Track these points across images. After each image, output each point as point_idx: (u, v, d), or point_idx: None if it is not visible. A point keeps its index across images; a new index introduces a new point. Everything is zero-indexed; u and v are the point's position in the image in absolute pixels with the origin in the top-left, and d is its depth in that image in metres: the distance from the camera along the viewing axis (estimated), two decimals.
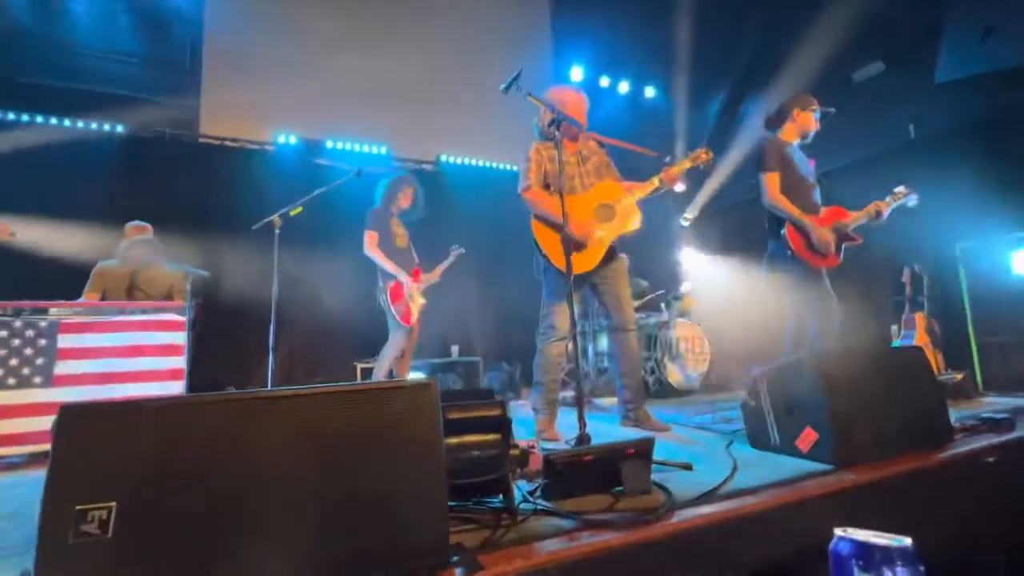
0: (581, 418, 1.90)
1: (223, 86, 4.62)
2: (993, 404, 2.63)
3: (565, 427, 2.39)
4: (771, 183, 2.69)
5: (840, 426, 1.55)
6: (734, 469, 1.54)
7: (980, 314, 3.53)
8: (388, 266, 3.34)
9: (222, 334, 3.96)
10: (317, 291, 4.34)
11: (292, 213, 3.35)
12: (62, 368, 2.52)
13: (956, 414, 1.94)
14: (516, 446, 1.27)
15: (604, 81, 6.35)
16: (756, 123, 6.04)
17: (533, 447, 1.55)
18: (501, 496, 1.24)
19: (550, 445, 2.13)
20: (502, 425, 1.25)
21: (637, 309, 4.66)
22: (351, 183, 3.43)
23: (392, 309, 3.35)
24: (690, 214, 6.40)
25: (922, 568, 0.45)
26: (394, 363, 3.41)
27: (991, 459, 1.68)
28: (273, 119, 4.78)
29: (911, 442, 1.66)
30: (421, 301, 3.46)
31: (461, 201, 5.21)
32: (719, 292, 5.63)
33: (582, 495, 1.33)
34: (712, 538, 1.19)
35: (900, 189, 2.77)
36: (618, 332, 2.48)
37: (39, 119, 4.05)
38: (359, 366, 4.27)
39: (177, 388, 2.74)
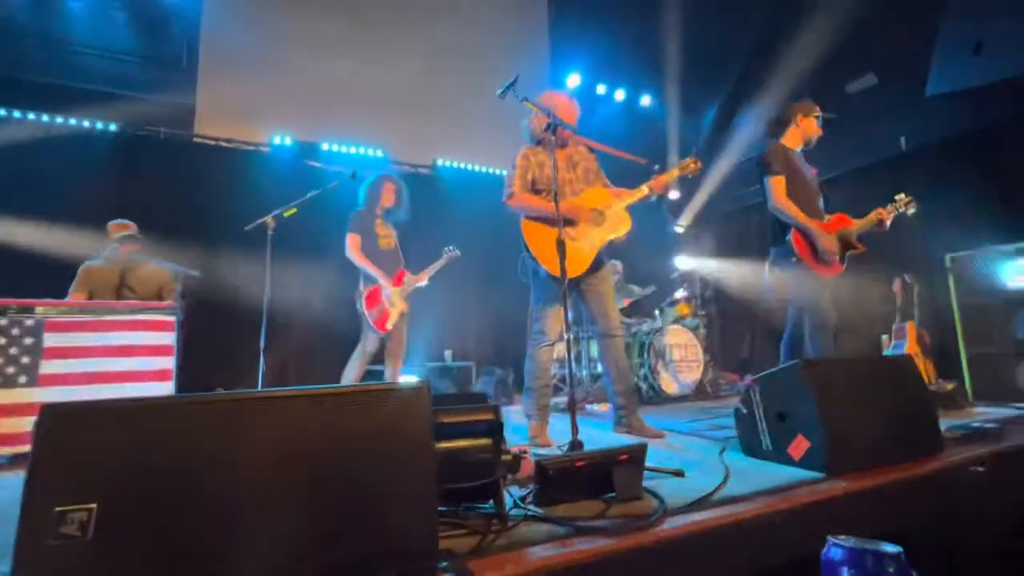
0: (573, 424, 1.89)
1: (219, 86, 4.60)
2: (983, 414, 2.65)
3: (558, 433, 2.38)
4: (777, 186, 2.64)
5: (832, 434, 1.55)
6: (726, 476, 1.53)
7: (970, 324, 3.56)
8: (368, 269, 3.25)
9: (213, 335, 3.92)
10: (310, 293, 4.31)
11: (286, 214, 3.33)
12: (48, 368, 2.48)
13: (946, 423, 1.95)
14: (508, 451, 1.26)
15: (600, 88, 6.39)
16: (751, 132, 6.11)
17: (525, 452, 1.54)
18: (492, 501, 1.22)
19: (542, 451, 2.12)
20: (494, 430, 1.24)
21: (630, 315, 4.67)
22: (346, 185, 3.42)
23: (366, 314, 3.24)
24: (684, 221, 6.44)
25: (913, 574, 0.45)
26: (362, 370, 3.28)
27: (981, 468, 1.69)
28: (269, 120, 4.77)
29: (902, 451, 1.66)
30: (402, 306, 3.31)
31: (457, 205, 5.21)
32: (713, 299, 5.66)
33: (574, 501, 1.32)
34: (704, 545, 1.18)
35: (900, 197, 2.77)
36: (604, 338, 2.48)
37: (31, 116, 4.01)
38: None
39: (166, 389, 2.70)
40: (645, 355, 4.08)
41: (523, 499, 1.32)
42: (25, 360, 2.45)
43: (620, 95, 6.49)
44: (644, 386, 4.04)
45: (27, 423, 2.34)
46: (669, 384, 4.05)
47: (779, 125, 2.84)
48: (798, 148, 2.80)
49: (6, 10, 4.00)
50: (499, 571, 0.96)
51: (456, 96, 5.40)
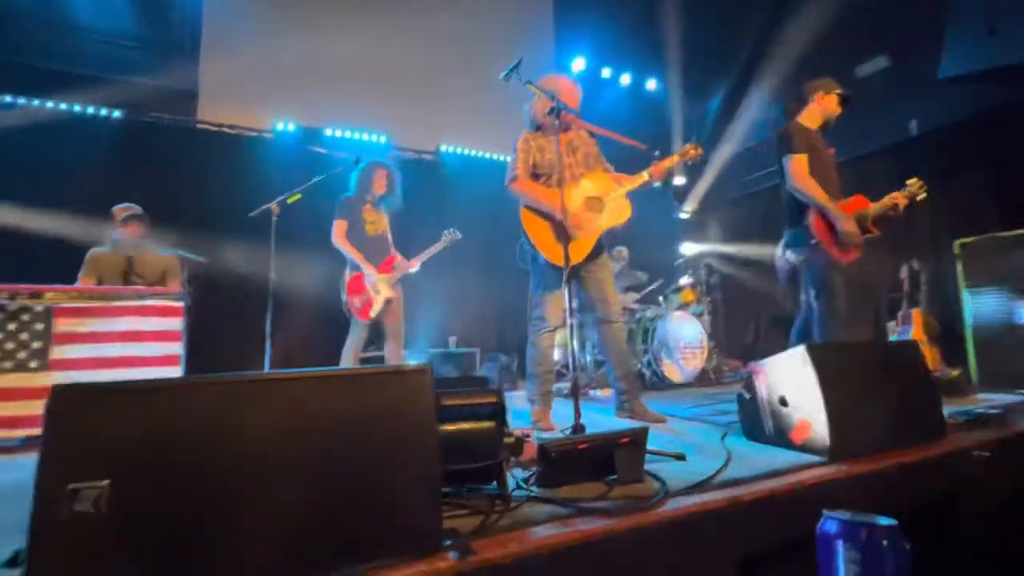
0: (576, 408, 1.90)
1: (221, 71, 4.58)
2: (987, 400, 2.65)
3: (560, 418, 2.40)
4: (799, 165, 2.52)
5: (834, 419, 1.56)
6: (728, 460, 1.55)
7: (978, 312, 3.54)
8: (351, 256, 3.23)
9: (219, 320, 3.96)
10: (314, 278, 4.32)
11: (290, 200, 3.34)
12: (58, 353, 2.52)
13: (950, 409, 1.95)
14: (510, 434, 1.27)
15: (606, 72, 6.31)
16: (757, 117, 6.03)
17: (528, 436, 1.56)
18: (495, 483, 1.24)
19: (545, 435, 2.14)
20: (497, 412, 1.26)
21: (636, 302, 4.67)
22: (349, 171, 3.41)
23: (347, 302, 3.22)
24: (689, 207, 6.39)
25: (908, 546, 0.45)
26: (357, 357, 3.27)
27: (986, 454, 1.69)
28: (272, 106, 4.75)
29: (905, 436, 1.67)
30: (388, 294, 3.26)
31: (461, 191, 5.19)
32: (718, 285, 5.64)
33: (576, 483, 1.33)
34: (704, 526, 1.20)
35: (912, 182, 2.70)
36: (603, 324, 2.48)
37: (35, 102, 4.01)
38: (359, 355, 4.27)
39: (174, 374, 2.73)
40: (649, 341, 4.08)
41: (526, 481, 1.34)
42: (36, 345, 2.48)
43: (626, 79, 6.41)
44: (647, 372, 4.06)
45: (39, 406, 2.38)
46: (672, 370, 4.06)
47: (798, 103, 2.73)
48: (816, 127, 2.70)
49: None
50: (502, 550, 0.98)
51: (460, 81, 5.35)
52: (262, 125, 4.73)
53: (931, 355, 3.61)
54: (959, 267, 3.63)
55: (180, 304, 2.84)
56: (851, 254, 2.53)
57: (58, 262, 3.33)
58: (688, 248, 5.38)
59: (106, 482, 0.79)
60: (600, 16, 5.98)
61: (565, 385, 3.01)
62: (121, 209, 3.33)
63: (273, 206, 3.29)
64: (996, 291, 3.44)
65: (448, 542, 0.98)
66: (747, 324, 5.86)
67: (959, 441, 1.73)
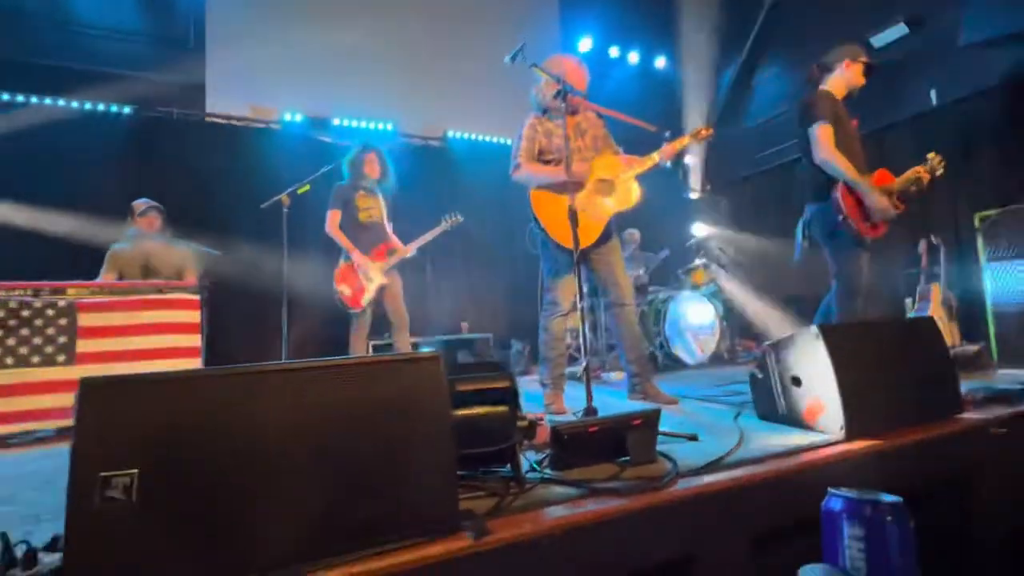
0: (588, 391, 1.92)
1: (227, 64, 4.58)
2: (1007, 376, 2.61)
3: (573, 401, 2.42)
4: (826, 135, 2.40)
5: (848, 398, 1.55)
6: (740, 440, 1.55)
7: (1000, 286, 3.46)
8: (342, 245, 3.23)
9: (236, 313, 4.03)
10: (328, 268, 4.37)
11: (300, 191, 3.37)
12: (84, 346, 2.60)
13: (968, 386, 1.93)
14: (523, 417, 1.29)
15: (614, 51, 6.19)
16: (769, 91, 5.89)
17: (540, 419, 1.58)
18: (509, 465, 1.26)
19: (557, 418, 2.17)
20: (510, 397, 1.28)
21: (648, 283, 4.65)
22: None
23: (336, 291, 3.23)
24: (700, 187, 6.30)
25: (912, 524, 0.46)
26: (363, 345, 3.28)
27: (1002, 430, 1.68)
28: (278, 97, 4.75)
29: (920, 413, 1.66)
30: (381, 281, 3.25)
31: (469, 176, 5.18)
32: (732, 266, 5.58)
33: (588, 465, 1.35)
34: (717, 505, 1.21)
35: (932, 156, 2.59)
36: (615, 307, 2.48)
37: (47, 100, 4.06)
38: (371, 343, 4.33)
39: (195, 365, 2.81)
40: (661, 323, 4.07)
41: (539, 463, 1.36)
42: (62, 340, 2.56)
43: (634, 58, 6.28)
44: (660, 354, 4.06)
45: (68, 399, 2.47)
46: (684, 352, 4.05)
47: (823, 71, 2.62)
48: (841, 97, 2.58)
49: None
50: (517, 530, 1.00)
51: (466, 65, 5.29)
52: (269, 116, 4.74)
53: (949, 331, 3.56)
54: (980, 240, 3.55)
55: (197, 297, 2.90)
56: (879, 230, 2.44)
57: (76, 259, 3.42)
58: (699, 229, 5.31)
59: (134, 471, 0.82)
60: None
61: (578, 369, 3.03)
62: (140, 204, 3.40)
63: (284, 197, 3.33)
64: (1018, 265, 3.36)
65: (464, 523, 1.01)
66: (762, 303, 5.79)
67: (976, 418, 1.71)
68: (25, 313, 2.50)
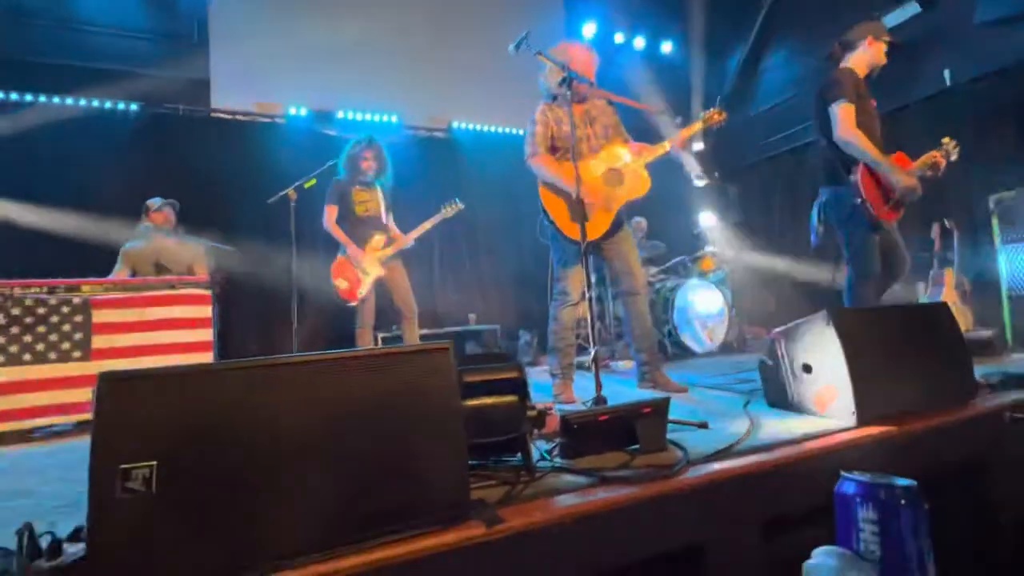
0: (597, 380, 1.92)
1: (230, 59, 4.58)
2: (1022, 361, 2.58)
3: (582, 390, 2.43)
4: (847, 115, 2.32)
5: (859, 384, 1.54)
6: (750, 427, 1.55)
7: (1015, 269, 3.40)
8: (339, 239, 3.25)
9: (247, 307, 4.07)
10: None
11: (306, 186, 3.38)
12: (99, 342, 2.64)
13: (982, 370, 1.90)
14: (533, 407, 1.30)
15: (619, 37, 6.10)
16: (778, 76, 5.79)
17: (550, 409, 1.59)
18: (520, 455, 1.27)
19: (567, 407, 2.17)
20: (519, 387, 1.28)
21: (656, 273, 4.63)
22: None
23: (333, 284, 3.24)
24: (707, 174, 6.22)
25: (926, 506, 0.46)
26: (370, 338, 3.30)
27: (1016, 415, 1.66)
28: (283, 91, 4.75)
29: (933, 399, 1.64)
30: (378, 273, 3.25)
31: (475, 168, 5.16)
32: (739, 253, 5.54)
33: (598, 453, 1.36)
34: (727, 493, 1.21)
35: (946, 140, 2.53)
36: (628, 296, 2.47)
37: (55, 99, 4.08)
38: (380, 336, 4.36)
39: (207, 360, 2.84)
40: (669, 311, 4.06)
41: (549, 452, 1.37)
42: (78, 336, 2.60)
43: (639, 43, 6.19)
44: (668, 343, 4.05)
45: (85, 394, 2.52)
46: (693, 340, 4.04)
47: (845, 48, 2.52)
48: (862, 76, 2.49)
49: None
50: (527, 518, 1.02)
51: (470, 55, 5.25)
52: (274, 111, 4.74)
53: (963, 315, 3.52)
54: (994, 223, 3.48)
55: (209, 292, 2.93)
56: (895, 215, 2.39)
57: (87, 257, 3.46)
58: (706, 218, 5.26)
59: (153, 463, 0.84)
60: None
61: (586, 358, 3.04)
62: (154, 201, 3.45)
63: (290, 192, 3.34)
64: None
65: (476, 512, 1.02)
66: (769, 291, 5.76)
67: (990, 403, 1.69)
68: (41, 310, 2.54)
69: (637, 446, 1.37)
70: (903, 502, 0.45)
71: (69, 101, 4.12)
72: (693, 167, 5.70)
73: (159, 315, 2.78)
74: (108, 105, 4.23)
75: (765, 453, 1.34)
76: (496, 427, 1.22)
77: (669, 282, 4.38)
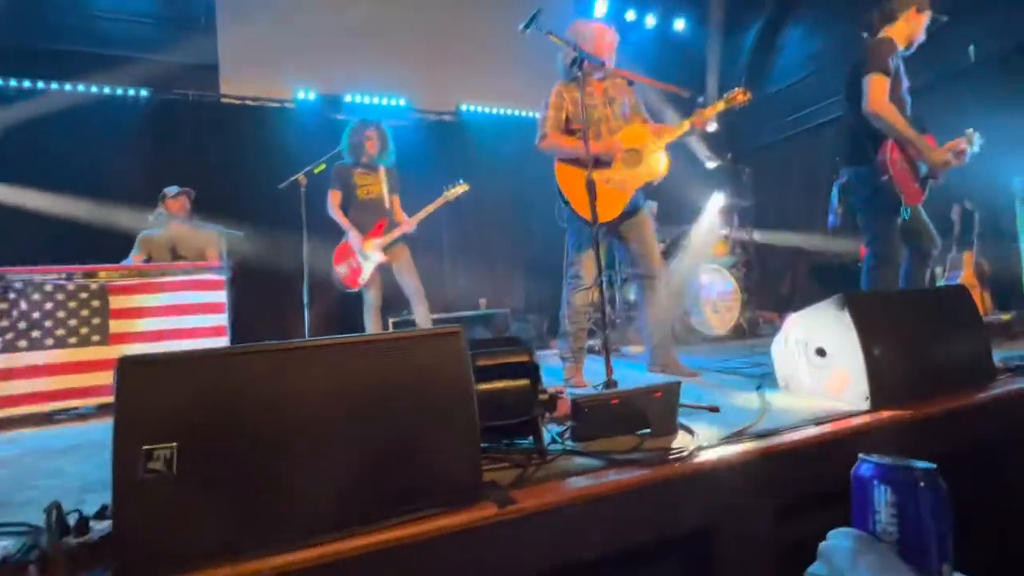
0: (608, 364, 1.93)
1: (238, 44, 4.55)
2: None
3: (593, 375, 2.43)
4: (879, 87, 2.18)
5: (873, 368, 1.53)
6: (763, 411, 1.55)
7: None
8: (341, 224, 3.25)
9: (259, 292, 4.11)
10: None
11: (316, 171, 3.38)
12: (116, 327, 2.69)
13: (1000, 355, 1.88)
14: (544, 391, 1.31)
15: (630, 15, 5.96)
16: (794, 53, 5.63)
17: (561, 393, 1.59)
18: (531, 438, 1.29)
19: (577, 391, 2.18)
20: (530, 371, 1.29)
21: (664, 255, 4.59)
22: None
23: (334, 271, 3.26)
24: (718, 156, 6.11)
25: (946, 487, 0.45)
26: (378, 322, 3.30)
27: None
28: (291, 75, 4.72)
29: (950, 383, 1.62)
30: (380, 258, 3.24)
31: (483, 151, 5.11)
32: (752, 236, 5.47)
33: (609, 436, 1.37)
34: (738, 476, 1.21)
35: (969, 131, 2.41)
36: (645, 279, 2.46)
37: (67, 87, 4.10)
38: (391, 320, 4.39)
39: (222, 344, 2.89)
40: (681, 295, 4.04)
41: (561, 435, 1.38)
42: (96, 321, 2.66)
43: (651, 21, 6.04)
44: (680, 327, 4.03)
45: (105, 377, 2.58)
46: (704, 324, 4.01)
47: (883, 18, 2.37)
48: (899, 50, 2.35)
49: None
50: (539, 499, 1.03)
51: (478, 36, 5.17)
52: (283, 95, 4.73)
53: (982, 299, 3.45)
54: (1017, 204, 3.39)
55: (222, 277, 2.97)
56: (922, 195, 2.31)
57: (100, 242, 3.51)
58: (718, 200, 5.18)
59: (173, 444, 0.86)
60: None
61: (597, 343, 3.04)
62: (171, 189, 3.49)
63: (300, 177, 3.34)
64: None
65: (489, 493, 1.03)
66: (783, 275, 5.69)
67: (1009, 387, 1.67)
68: (60, 296, 2.60)
69: (648, 430, 1.38)
70: (922, 484, 0.45)
71: (80, 88, 4.13)
72: (701, 149, 5.61)
73: (174, 300, 2.83)
74: (119, 92, 4.24)
75: (777, 437, 1.34)
76: (508, 410, 1.23)
77: (681, 265, 4.34)
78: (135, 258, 3.30)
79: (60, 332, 2.58)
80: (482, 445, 1.09)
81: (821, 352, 1.69)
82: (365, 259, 3.24)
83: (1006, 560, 1.42)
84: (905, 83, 2.37)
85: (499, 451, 1.27)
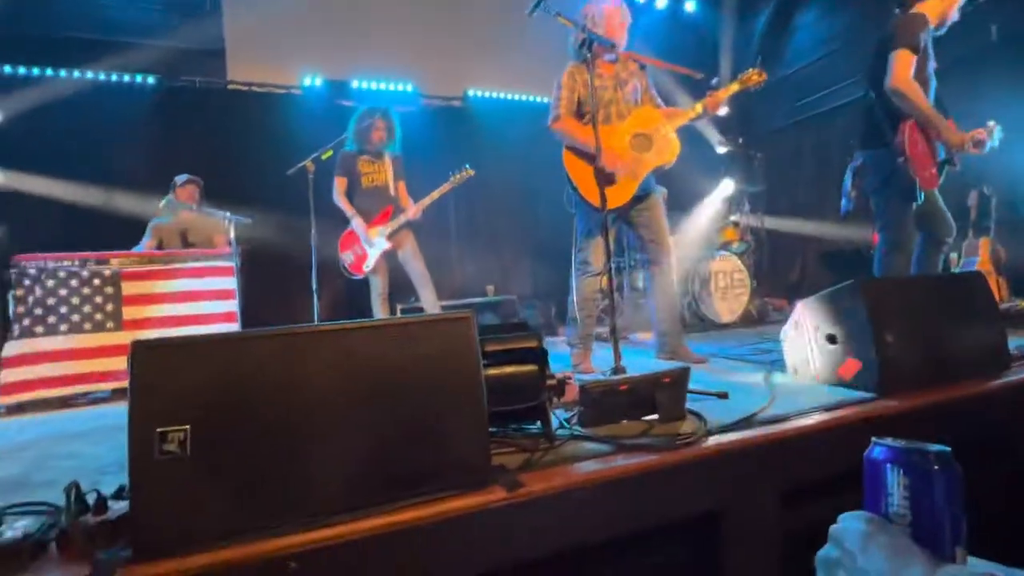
0: (616, 350, 1.92)
1: (244, 29, 4.52)
2: None
3: (600, 361, 2.43)
4: (905, 63, 2.09)
5: (885, 355, 1.51)
6: (772, 398, 1.54)
7: None
8: (347, 212, 3.26)
9: (268, 278, 4.13)
10: None
11: (324, 157, 3.37)
12: (129, 313, 2.73)
13: (1016, 342, 1.85)
14: (552, 376, 1.31)
15: None
16: (809, 35, 5.50)
17: (569, 378, 1.59)
18: (539, 422, 1.29)
19: (585, 377, 2.19)
20: (538, 356, 1.29)
21: (675, 243, 4.55)
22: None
23: (340, 258, 3.28)
24: (729, 141, 6.01)
25: (960, 470, 0.45)
26: (386, 309, 3.32)
27: None
28: (297, 61, 4.69)
29: (963, 370, 1.61)
30: (384, 245, 3.24)
31: (491, 137, 5.07)
32: (762, 222, 5.40)
33: (617, 422, 1.37)
34: (746, 462, 1.22)
35: (991, 124, 2.32)
36: (655, 265, 2.44)
37: (76, 73, 4.10)
38: (399, 307, 4.41)
39: (232, 330, 2.92)
40: (689, 282, 4.01)
41: (569, 420, 1.38)
42: (110, 307, 2.69)
43: (662, 2, 5.91)
44: (689, 313, 4.01)
45: (119, 362, 2.62)
46: (714, 311, 3.99)
47: None
48: (931, 28, 2.24)
49: None
50: (547, 483, 1.04)
51: (485, 21, 5.09)
52: (290, 81, 4.70)
53: (998, 286, 3.40)
54: None
55: (231, 264, 2.98)
56: (938, 178, 2.24)
57: (110, 229, 3.54)
58: (728, 185, 5.11)
59: (187, 427, 0.87)
60: None
61: (605, 329, 3.03)
62: (180, 177, 3.51)
63: (308, 163, 3.34)
64: None
65: (497, 477, 1.04)
66: (792, 261, 5.62)
67: (1022, 374, 1.65)
68: (74, 283, 2.63)
69: (656, 416, 1.38)
70: (936, 467, 0.44)
71: (89, 75, 4.13)
72: (712, 133, 5.53)
73: (185, 287, 2.86)
74: (126, 78, 4.24)
75: (786, 423, 1.33)
76: (516, 395, 1.24)
77: (690, 252, 4.30)
78: (147, 245, 3.33)
79: (75, 318, 2.62)
80: (490, 430, 1.10)
81: (831, 338, 1.67)
82: (370, 246, 3.25)
83: (1020, 545, 1.41)
84: (932, 64, 2.27)
85: (507, 436, 1.28)
